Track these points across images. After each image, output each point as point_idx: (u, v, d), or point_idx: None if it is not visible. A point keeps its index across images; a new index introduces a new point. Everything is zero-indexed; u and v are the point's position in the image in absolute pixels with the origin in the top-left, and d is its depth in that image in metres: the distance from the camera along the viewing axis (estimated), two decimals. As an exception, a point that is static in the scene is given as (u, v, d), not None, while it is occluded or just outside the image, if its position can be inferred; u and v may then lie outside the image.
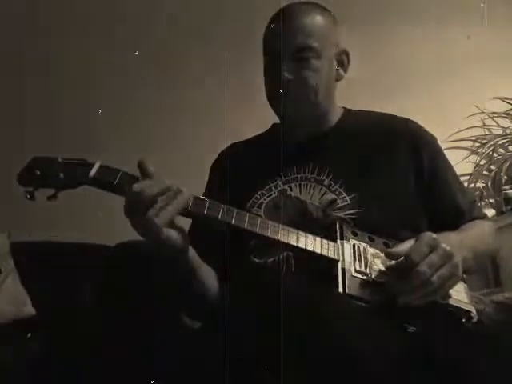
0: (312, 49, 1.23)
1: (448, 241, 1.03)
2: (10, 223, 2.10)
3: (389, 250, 1.05)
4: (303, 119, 1.28)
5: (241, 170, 1.31)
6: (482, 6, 2.45)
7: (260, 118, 1.43)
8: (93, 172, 1.03)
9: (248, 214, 1.08)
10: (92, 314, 1.91)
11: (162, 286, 1.38)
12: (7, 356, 1.61)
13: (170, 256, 1.07)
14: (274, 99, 1.28)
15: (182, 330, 1.19)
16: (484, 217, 1.37)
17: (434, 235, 1.02)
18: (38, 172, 1.02)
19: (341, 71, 1.32)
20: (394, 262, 1.04)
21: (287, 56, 1.23)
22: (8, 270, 1.97)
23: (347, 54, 1.32)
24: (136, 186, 0.99)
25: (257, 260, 1.20)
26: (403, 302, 0.98)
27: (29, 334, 1.62)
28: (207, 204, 1.06)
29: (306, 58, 1.23)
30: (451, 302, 1.04)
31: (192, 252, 1.13)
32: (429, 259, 0.98)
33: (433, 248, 0.99)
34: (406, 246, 1.03)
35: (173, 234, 1.03)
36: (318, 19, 1.26)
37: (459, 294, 1.07)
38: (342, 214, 1.19)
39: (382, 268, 1.06)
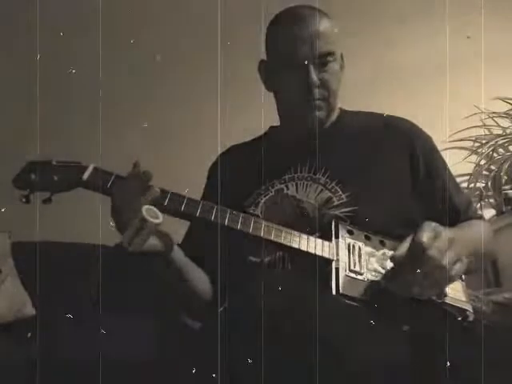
0: (331, 54, 1.25)
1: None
2: (10, 223, 2.10)
3: (393, 254, 1.04)
4: (320, 122, 1.29)
5: (239, 173, 1.31)
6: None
7: (260, 119, 1.43)
8: (86, 175, 1.05)
9: (242, 215, 1.08)
10: (92, 313, 1.92)
11: (162, 286, 1.39)
12: (7, 356, 1.61)
13: (153, 257, 1.09)
14: (296, 105, 1.27)
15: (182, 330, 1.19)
16: (480, 217, 1.37)
17: (434, 223, 1.03)
18: (33, 176, 1.04)
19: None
20: (380, 253, 1.05)
21: (312, 60, 1.23)
22: (8, 270, 1.97)
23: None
24: (114, 190, 1.02)
25: (253, 259, 1.20)
26: (417, 292, 0.98)
27: (29, 334, 1.62)
28: (200, 205, 1.06)
29: (325, 63, 1.25)
30: (447, 300, 1.03)
31: (179, 253, 1.14)
32: (437, 243, 0.98)
33: (437, 234, 1.00)
34: (406, 245, 1.02)
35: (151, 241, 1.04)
36: (328, 23, 1.27)
37: (456, 293, 1.07)
38: (338, 212, 1.19)
39: (378, 267, 1.06)
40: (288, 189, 1.26)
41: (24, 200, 1.04)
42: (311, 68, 1.23)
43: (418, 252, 0.97)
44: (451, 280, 1.01)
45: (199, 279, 1.22)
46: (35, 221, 2.19)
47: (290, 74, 1.26)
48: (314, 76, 1.23)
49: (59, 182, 1.05)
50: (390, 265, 1.05)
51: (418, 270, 0.96)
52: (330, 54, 1.25)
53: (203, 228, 1.15)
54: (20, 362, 1.59)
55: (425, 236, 0.98)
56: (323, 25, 1.26)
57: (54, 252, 2.08)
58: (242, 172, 1.31)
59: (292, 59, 1.24)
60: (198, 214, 1.06)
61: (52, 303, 1.92)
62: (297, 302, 0.90)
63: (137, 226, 0.98)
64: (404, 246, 1.03)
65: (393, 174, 1.26)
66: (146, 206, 0.99)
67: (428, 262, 0.97)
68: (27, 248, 2.06)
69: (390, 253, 1.04)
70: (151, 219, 0.98)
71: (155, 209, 1.01)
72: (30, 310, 1.95)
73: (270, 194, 1.26)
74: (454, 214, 1.28)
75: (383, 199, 1.21)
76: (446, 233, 1.00)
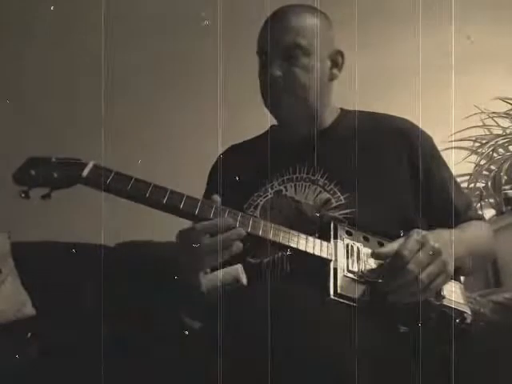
0: (300, 47, 1.25)
1: (439, 238, 1.04)
2: (9, 223, 2.10)
3: (377, 250, 1.06)
4: (295, 117, 1.29)
5: (238, 173, 1.31)
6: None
7: (260, 119, 1.43)
8: (85, 172, 1.05)
9: (240, 214, 1.08)
10: (92, 314, 1.92)
11: (162, 286, 1.39)
12: (7, 356, 1.61)
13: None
14: (266, 98, 1.30)
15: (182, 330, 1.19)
16: (481, 218, 1.37)
17: (424, 232, 1.03)
18: (33, 172, 1.04)
19: (335, 71, 1.33)
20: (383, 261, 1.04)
21: (275, 54, 1.25)
22: (8, 270, 1.97)
23: (342, 54, 1.33)
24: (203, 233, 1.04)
25: (252, 261, 1.20)
26: (393, 301, 0.98)
27: (29, 334, 1.62)
28: (199, 204, 1.06)
29: (295, 57, 1.25)
30: (445, 302, 1.03)
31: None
32: (416, 257, 0.98)
33: (421, 245, 0.99)
34: (394, 246, 1.03)
35: None
36: (309, 19, 1.28)
37: (454, 295, 1.07)
38: (336, 214, 1.20)
39: (376, 268, 1.06)
40: (287, 190, 1.26)
41: (23, 195, 1.04)
42: (271, 59, 1.24)
43: (397, 263, 0.98)
44: (428, 293, 1.00)
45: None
46: (35, 221, 2.20)
47: (261, 66, 1.31)
48: (274, 68, 1.24)
49: (59, 179, 1.05)
50: (372, 262, 1.06)
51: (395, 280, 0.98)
52: (297, 47, 1.24)
53: None
54: (20, 362, 1.59)
55: (407, 248, 0.98)
56: (297, 18, 1.26)
57: (54, 252, 2.07)
58: (242, 172, 1.31)
59: (261, 53, 1.29)
60: (196, 212, 1.06)
61: (52, 303, 1.92)
62: (295, 302, 0.90)
63: (227, 283, 1.04)
64: (390, 246, 1.04)
65: (392, 174, 1.26)
66: (240, 265, 1.07)
67: (405, 275, 0.97)
68: (27, 248, 2.06)
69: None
70: (243, 280, 1.05)
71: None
72: (30, 310, 1.95)
73: (269, 195, 1.27)
74: (455, 214, 1.28)
75: (382, 200, 1.21)
76: (430, 244, 1.00)
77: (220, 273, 1.05)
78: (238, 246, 1.05)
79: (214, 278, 1.04)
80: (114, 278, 1.98)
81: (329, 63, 1.31)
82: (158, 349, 1.40)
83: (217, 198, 1.09)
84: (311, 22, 1.28)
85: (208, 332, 1.01)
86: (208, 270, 1.07)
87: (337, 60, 1.33)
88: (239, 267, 1.07)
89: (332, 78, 1.33)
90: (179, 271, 1.10)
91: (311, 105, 1.29)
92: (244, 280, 1.05)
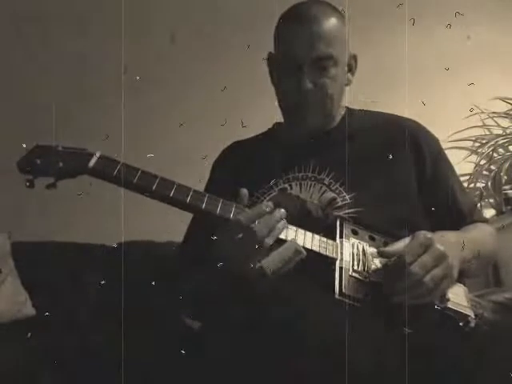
0: (332, 58, 1.21)
1: (445, 240, 1.03)
2: (10, 223, 2.10)
3: (382, 248, 1.05)
4: (314, 125, 1.28)
5: (242, 169, 1.31)
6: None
7: (262, 116, 1.43)
8: (92, 162, 1.03)
9: (246, 209, 1.07)
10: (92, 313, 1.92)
11: (163, 286, 1.39)
12: (7, 356, 1.61)
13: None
14: (290, 107, 1.27)
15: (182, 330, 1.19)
16: (485, 221, 1.37)
17: (429, 234, 1.02)
18: (38, 161, 1.02)
19: (349, 76, 1.32)
20: (388, 260, 1.04)
21: (308, 64, 1.21)
22: (8, 270, 1.97)
23: (355, 58, 1.32)
24: (247, 221, 1.01)
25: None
26: (397, 302, 0.98)
27: (29, 334, 1.62)
28: (206, 199, 1.05)
29: (324, 67, 1.21)
30: (449, 305, 1.03)
31: None
32: (421, 260, 0.98)
33: (426, 248, 0.99)
34: (400, 245, 1.03)
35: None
36: (335, 24, 1.23)
37: (458, 298, 1.06)
38: (341, 213, 1.19)
39: (381, 268, 1.06)
40: (292, 188, 1.25)
41: (28, 184, 1.01)
42: (305, 72, 1.20)
43: (402, 265, 0.98)
44: (432, 296, 1.00)
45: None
46: (35, 221, 2.20)
47: (286, 74, 1.25)
48: (307, 81, 1.20)
49: (64, 169, 1.02)
50: (377, 262, 1.06)
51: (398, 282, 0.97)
52: (330, 57, 1.21)
53: (207, 222, 1.15)
54: (20, 362, 1.59)
55: (412, 250, 0.98)
56: (327, 25, 1.22)
57: (54, 252, 2.07)
58: (245, 169, 1.30)
59: (289, 60, 1.23)
60: (203, 206, 1.05)
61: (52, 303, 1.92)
62: (300, 303, 0.89)
63: (290, 257, 1.02)
64: (396, 245, 1.04)
65: (398, 175, 1.25)
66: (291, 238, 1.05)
67: (409, 277, 0.96)
68: (27, 248, 2.06)
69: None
70: (304, 253, 1.02)
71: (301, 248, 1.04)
72: (29, 310, 1.95)
73: (274, 193, 1.26)
74: (460, 216, 1.28)
75: (388, 200, 1.20)
76: (436, 247, 0.99)
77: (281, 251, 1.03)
78: (283, 224, 1.05)
79: (275, 258, 1.01)
80: (114, 277, 1.98)
81: (346, 68, 1.29)
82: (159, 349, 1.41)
83: (245, 192, 1.08)
84: (337, 27, 1.23)
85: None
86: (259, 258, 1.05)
87: (351, 64, 1.31)
88: (293, 240, 1.05)
89: (347, 83, 1.31)
90: (228, 265, 1.05)
91: (332, 112, 1.28)
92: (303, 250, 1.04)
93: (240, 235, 1.00)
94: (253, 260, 1.01)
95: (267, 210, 1.03)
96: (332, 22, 1.23)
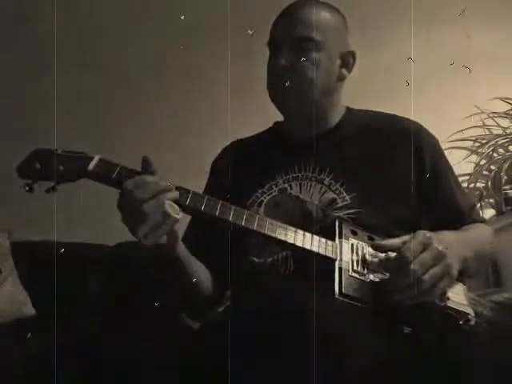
0: (312, 41, 1.23)
1: (444, 239, 1.04)
2: (9, 223, 2.10)
3: (377, 242, 1.06)
4: (299, 112, 1.28)
5: (242, 168, 1.31)
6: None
7: (263, 114, 1.42)
8: (92, 165, 1.03)
9: (246, 211, 1.07)
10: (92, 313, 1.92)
11: (162, 285, 1.39)
12: (7, 356, 1.61)
13: (157, 252, 1.07)
14: (271, 89, 1.28)
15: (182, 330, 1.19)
16: (484, 221, 1.37)
17: (429, 234, 1.02)
18: (38, 165, 1.02)
19: (344, 71, 1.31)
20: (383, 255, 1.04)
21: (287, 45, 1.23)
22: (8, 270, 1.97)
23: (353, 55, 1.31)
24: (129, 183, 0.99)
25: (256, 260, 1.20)
26: (396, 300, 0.98)
27: (29, 334, 1.62)
28: (205, 200, 1.05)
29: (305, 50, 1.23)
30: (449, 303, 1.03)
31: (181, 247, 1.13)
32: (420, 258, 0.98)
33: (426, 247, 0.99)
34: (395, 241, 1.03)
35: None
36: (324, 15, 1.27)
37: (458, 296, 1.06)
38: (341, 214, 1.19)
39: (380, 268, 1.06)
40: (292, 188, 1.25)
41: (27, 189, 1.01)
42: (282, 53, 1.23)
43: (401, 264, 0.98)
44: (432, 295, 1.00)
45: (201, 274, 1.21)
46: (35, 221, 2.20)
47: (269, 58, 1.28)
48: (282, 60, 1.22)
49: (64, 172, 1.02)
50: (376, 261, 1.06)
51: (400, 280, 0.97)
52: (309, 40, 1.22)
53: (206, 224, 1.14)
54: (20, 362, 1.59)
55: (411, 249, 0.98)
56: (311, 12, 1.25)
57: (54, 252, 2.07)
58: (245, 168, 1.31)
59: (271, 43, 1.27)
60: (202, 208, 1.05)
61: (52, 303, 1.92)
62: (299, 302, 0.89)
63: (159, 220, 0.98)
64: (391, 240, 1.04)
65: (398, 175, 1.25)
66: (169, 202, 0.99)
67: (409, 275, 0.96)
68: (27, 248, 2.06)
69: (394, 254, 1.04)
70: (174, 215, 0.99)
71: (175, 205, 1.00)
72: (29, 310, 1.95)
73: (274, 193, 1.26)
74: (459, 216, 1.29)
75: (388, 201, 1.20)
76: (435, 247, 1.00)
77: None
78: (172, 196, 1.01)
79: (146, 224, 0.97)
80: (114, 277, 1.99)
81: (339, 62, 1.29)
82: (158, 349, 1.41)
83: (148, 158, 1.04)
84: (326, 17, 1.27)
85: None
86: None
87: (347, 60, 1.31)
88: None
89: (341, 78, 1.31)
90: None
91: (317, 103, 1.27)
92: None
93: (124, 200, 0.99)
94: (135, 225, 0.98)
95: (154, 180, 1.00)
96: (319, 11, 1.26)
